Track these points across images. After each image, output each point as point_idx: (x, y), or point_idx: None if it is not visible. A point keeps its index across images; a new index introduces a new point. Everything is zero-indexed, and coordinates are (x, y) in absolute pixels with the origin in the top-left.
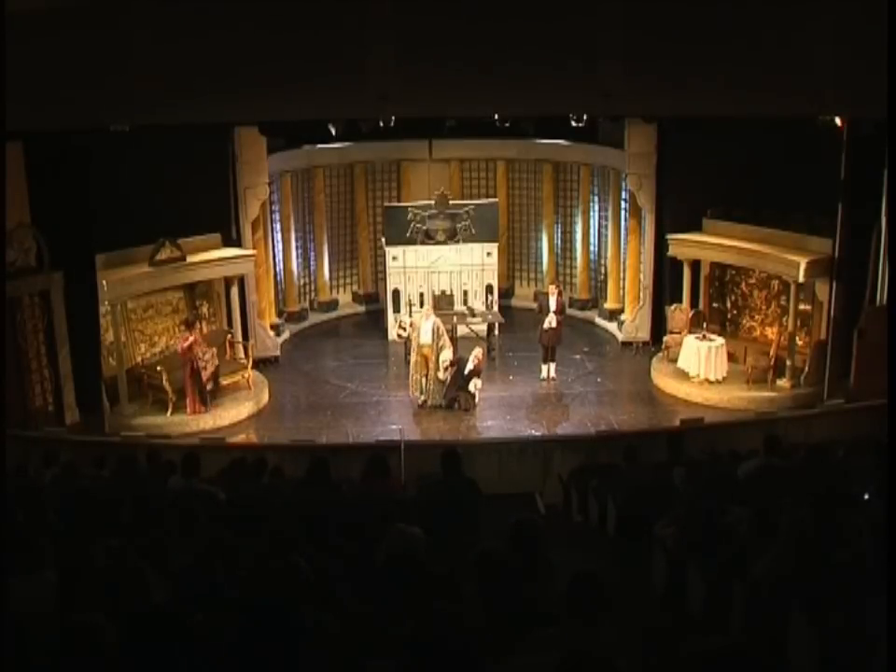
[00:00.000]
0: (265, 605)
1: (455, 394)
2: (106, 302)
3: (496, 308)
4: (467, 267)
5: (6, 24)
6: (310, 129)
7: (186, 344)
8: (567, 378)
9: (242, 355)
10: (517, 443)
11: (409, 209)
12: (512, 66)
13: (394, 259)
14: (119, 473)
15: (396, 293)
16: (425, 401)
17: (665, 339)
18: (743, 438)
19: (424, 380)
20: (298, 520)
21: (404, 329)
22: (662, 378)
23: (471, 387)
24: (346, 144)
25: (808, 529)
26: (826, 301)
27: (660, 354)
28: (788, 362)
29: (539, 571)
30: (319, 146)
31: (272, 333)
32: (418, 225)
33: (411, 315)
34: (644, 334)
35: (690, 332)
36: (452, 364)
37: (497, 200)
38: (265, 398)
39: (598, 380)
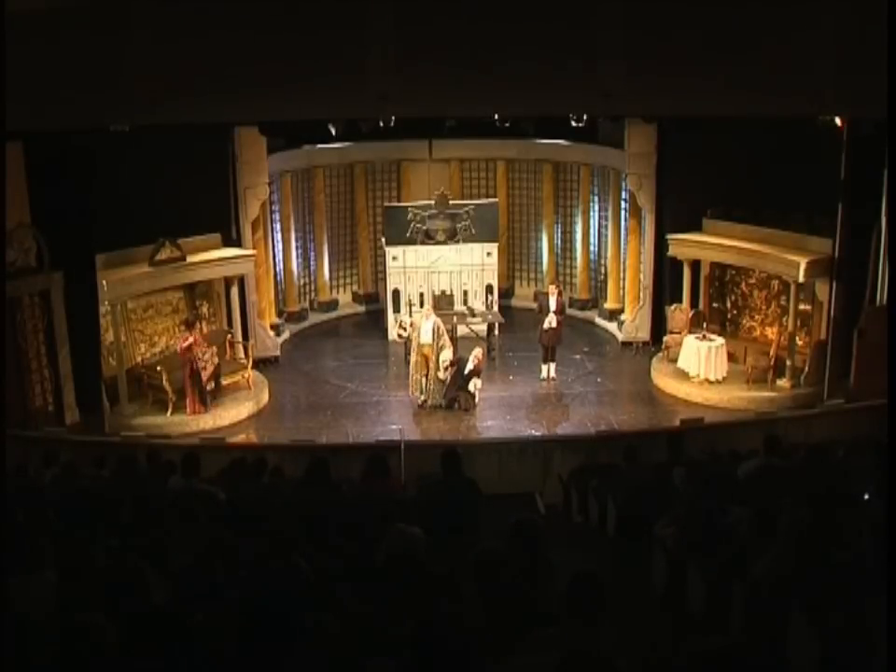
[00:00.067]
0: (265, 605)
1: (455, 394)
2: (106, 302)
3: (496, 308)
4: (467, 267)
5: (6, 24)
6: (310, 129)
7: (185, 345)
8: (567, 378)
9: (242, 355)
10: (517, 443)
11: (409, 209)
12: (512, 66)
13: (394, 259)
14: (119, 473)
15: (396, 293)
16: (425, 401)
17: (664, 339)
18: (743, 438)
19: (424, 380)
20: (298, 520)
21: (404, 329)
22: (662, 378)
23: (471, 387)
24: (346, 144)
25: (808, 529)
26: (826, 301)
27: (660, 354)
28: (788, 362)
29: (539, 571)
30: (319, 146)
31: (272, 333)
32: (418, 225)
33: (411, 315)
34: (644, 334)
35: (690, 332)
36: (452, 364)
37: (497, 200)
38: (265, 398)
39: (598, 380)
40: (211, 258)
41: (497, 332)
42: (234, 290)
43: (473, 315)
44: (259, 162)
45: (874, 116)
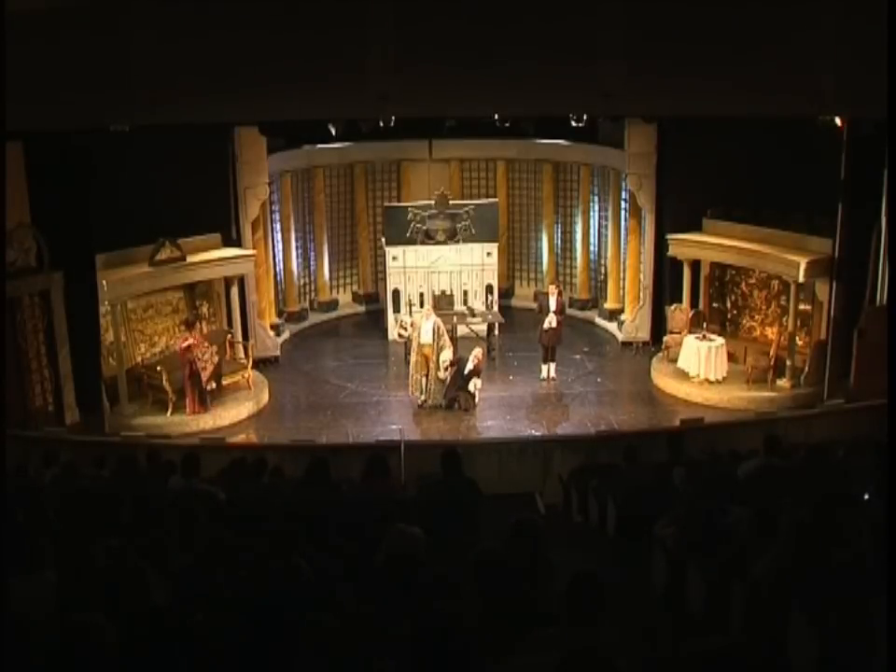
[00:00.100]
0: (265, 605)
1: (455, 394)
2: (106, 302)
3: (496, 308)
4: (467, 267)
5: (6, 24)
6: (310, 129)
7: (184, 345)
8: (567, 378)
9: (242, 355)
10: (517, 443)
11: (409, 209)
12: (512, 66)
13: (394, 259)
14: (119, 473)
15: (396, 293)
16: (425, 401)
17: (664, 339)
18: (743, 438)
19: (424, 380)
20: (298, 520)
21: (405, 329)
22: (662, 378)
23: (471, 387)
24: (346, 144)
25: (808, 529)
26: (826, 301)
27: (660, 354)
28: (788, 362)
29: (539, 571)
30: (319, 146)
31: (272, 333)
32: (418, 225)
33: (411, 315)
34: (644, 334)
35: (690, 332)
36: (452, 364)
37: (497, 200)
38: (265, 398)
39: (598, 380)
40: (211, 258)
41: (496, 332)
42: (234, 290)
43: (473, 315)
44: (258, 162)
45: (874, 116)
